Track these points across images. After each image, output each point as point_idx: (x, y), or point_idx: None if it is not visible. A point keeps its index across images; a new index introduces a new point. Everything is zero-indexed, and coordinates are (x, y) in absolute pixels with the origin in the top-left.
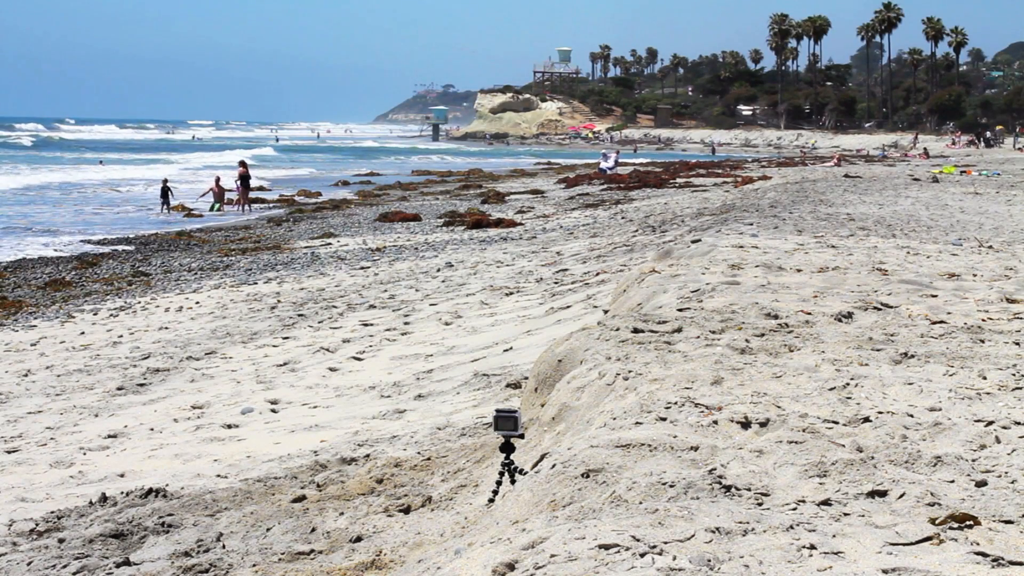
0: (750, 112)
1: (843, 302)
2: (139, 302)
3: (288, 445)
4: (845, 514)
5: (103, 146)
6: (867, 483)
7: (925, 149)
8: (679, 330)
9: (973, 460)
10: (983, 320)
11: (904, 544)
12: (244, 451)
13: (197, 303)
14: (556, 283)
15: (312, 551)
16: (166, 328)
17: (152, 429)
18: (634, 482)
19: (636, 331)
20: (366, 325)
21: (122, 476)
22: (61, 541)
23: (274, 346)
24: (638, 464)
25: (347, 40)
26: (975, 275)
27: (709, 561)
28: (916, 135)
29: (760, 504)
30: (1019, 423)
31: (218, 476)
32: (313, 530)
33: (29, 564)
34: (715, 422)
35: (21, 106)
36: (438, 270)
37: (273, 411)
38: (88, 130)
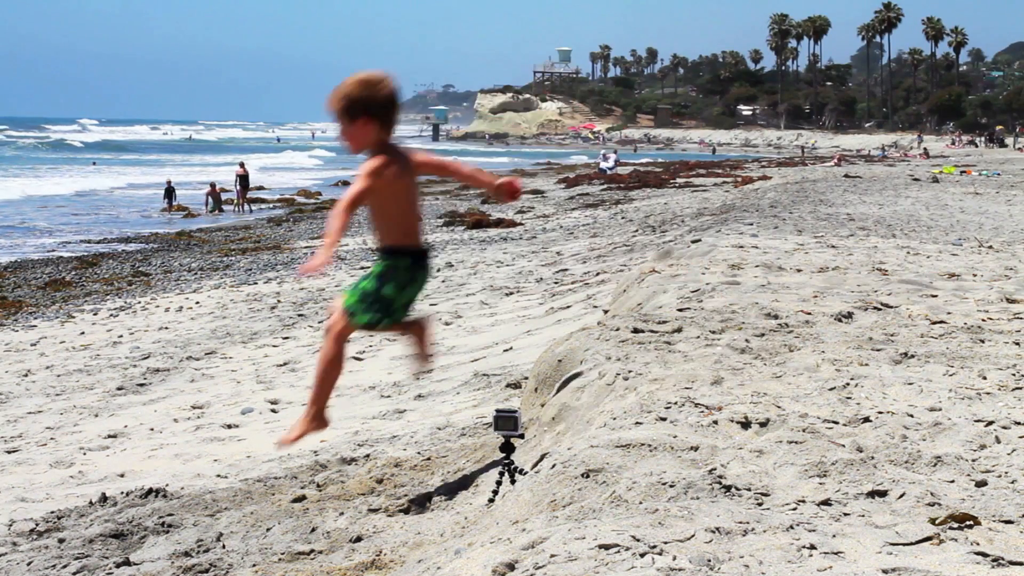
0: (750, 112)
1: (843, 302)
2: (139, 302)
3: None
4: (845, 514)
5: (160, 148)
6: (867, 483)
7: (925, 149)
8: (679, 330)
9: (973, 460)
10: (983, 320)
11: (904, 544)
12: (244, 451)
13: (197, 303)
14: (556, 283)
15: (312, 551)
16: (166, 328)
17: (152, 429)
18: (634, 482)
19: (636, 331)
20: None
21: (122, 476)
22: (61, 541)
23: (274, 346)
24: (638, 464)
25: (347, 40)
26: (975, 275)
27: (709, 561)
28: (919, 135)
29: (760, 504)
30: (1019, 423)
31: (218, 476)
32: (313, 530)
33: (29, 564)
34: (715, 422)
35: (31, 107)
36: (438, 270)
37: (273, 411)
38: (123, 131)
